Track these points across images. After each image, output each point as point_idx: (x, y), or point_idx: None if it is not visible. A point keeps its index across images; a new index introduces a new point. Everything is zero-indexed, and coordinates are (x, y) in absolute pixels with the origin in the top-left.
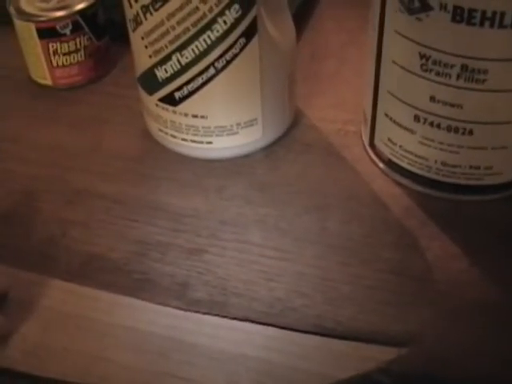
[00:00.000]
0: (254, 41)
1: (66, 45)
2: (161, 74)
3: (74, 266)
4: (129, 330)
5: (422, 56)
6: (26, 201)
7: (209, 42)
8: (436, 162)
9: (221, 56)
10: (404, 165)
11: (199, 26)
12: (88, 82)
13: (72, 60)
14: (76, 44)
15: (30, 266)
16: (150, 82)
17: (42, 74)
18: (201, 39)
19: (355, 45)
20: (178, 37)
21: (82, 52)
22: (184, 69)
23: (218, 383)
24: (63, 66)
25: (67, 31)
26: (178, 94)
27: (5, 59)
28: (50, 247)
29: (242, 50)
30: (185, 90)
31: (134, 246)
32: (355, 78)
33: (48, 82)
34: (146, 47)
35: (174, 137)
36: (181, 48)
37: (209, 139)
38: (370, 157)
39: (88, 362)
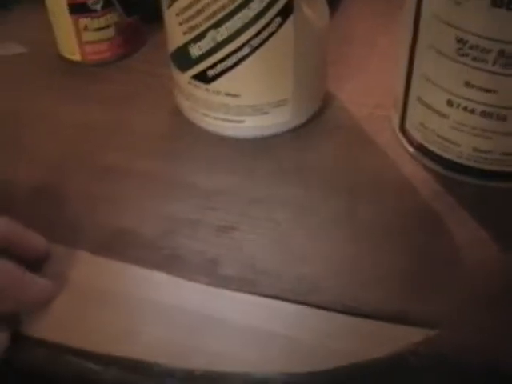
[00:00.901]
0: (290, 21)
1: (96, 21)
2: (195, 51)
3: (104, 239)
4: (158, 304)
5: (458, 40)
6: (56, 176)
7: (245, 19)
8: (468, 147)
9: (256, 35)
10: (435, 150)
11: (236, 3)
12: (117, 59)
13: (102, 36)
14: (106, 20)
15: (60, 239)
16: (183, 59)
17: (71, 49)
18: (237, 17)
19: (385, 30)
20: (214, 14)
21: (113, 28)
22: (218, 46)
23: (247, 359)
24: (93, 42)
25: (98, 7)
26: (211, 72)
27: (34, 35)
28: (80, 221)
29: (277, 29)
30: (218, 68)
31: (164, 223)
32: (385, 63)
33: (77, 57)
34: (181, 24)
35: (206, 115)
36: (216, 25)
37: (240, 118)
38: (399, 141)
39: (117, 334)
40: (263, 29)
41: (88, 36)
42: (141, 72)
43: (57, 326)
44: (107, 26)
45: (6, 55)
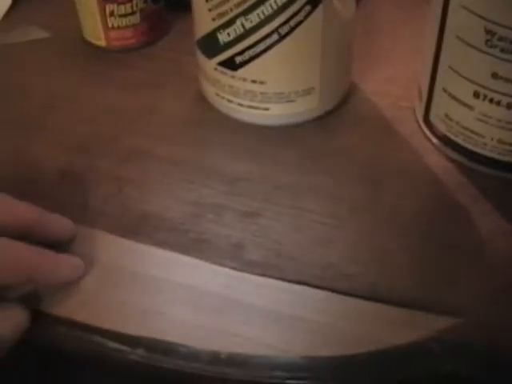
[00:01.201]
0: (319, 9)
1: (122, 7)
2: (223, 37)
3: (130, 222)
4: (185, 287)
5: (487, 31)
6: (81, 158)
7: (275, 7)
8: (492, 139)
9: (285, 22)
10: (459, 141)
11: None
12: (141, 46)
13: (127, 22)
14: (132, 6)
15: (87, 221)
16: (210, 45)
17: (96, 34)
18: (267, 4)
19: (409, 22)
20: (244, 0)
21: (138, 15)
22: (247, 33)
23: (273, 343)
24: (118, 27)
25: None
26: (238, 59)
27: (56, 20)
28: (106, 204)
29: (306, 17)
30: (246, 55)
31: (189, 207)
32: (408, 55)
33: (102, 43)
34: (210, 10)
35: (231, 101)
36: (246, 12)
37: (266, 105)
38: (423, 132)
39: (144, 315)
40: (292, 17)
41: (114, 22)
42: (164, 59)
43: (84, 306)
44: (133, 13)
45: (29, 40)
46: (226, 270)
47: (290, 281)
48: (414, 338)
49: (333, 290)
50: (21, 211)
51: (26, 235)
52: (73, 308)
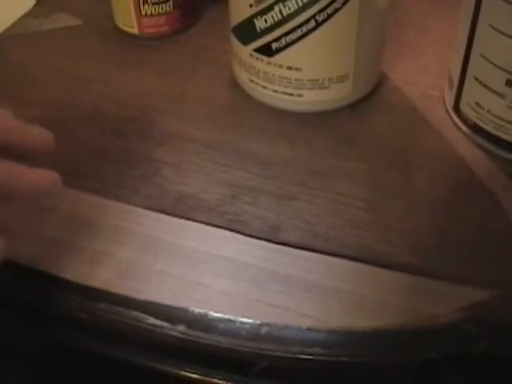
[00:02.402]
0: None
1: None
2: (260, 23)
3: (167, 202)
4: (224, 259)
5: None
6: (117, 140)
7: None
8: None
9: (323, 9)
10: (489, 129)
11: None
12: (173, 33)
13: (160, 10)
14: None
15: (122, 199)
16: (247, 31)
17: (129, 22)
18: None
19: (436, 14)
20: None
21: (171, 2)
22: (285, 20)
23: (311, 313)
24: (151, 15)
25: None
26: (275, 45)
27: (88, 7)
28: (143, 184)
29: (343, 5)
30: (283, 42)
31: (225, 189)
32: (437, 46)
33: (135, 30)
34: None
35: (265, 88)
36: None
37: (300, 92)
38: (453, 120)
39: (184, 286)
40: (329, 4)
41: (147, 9)
42: (196, 46)
43: (122, 277)
44: (166, 0)
45: (61, 27)
46: (264, 242)
47: (326, 253)
48: (451, 309)
49: (370, 263)
50: None
51: (2, 147)
52: (112, 280)
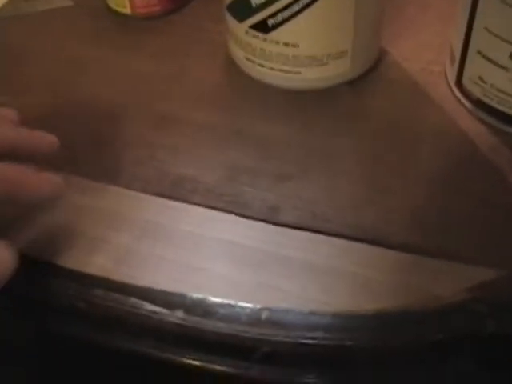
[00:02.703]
0: None
1: None
2: None
3: (164, 185)
4: (222, 241)
5: None
6: (112, 124)
7: None
8: None
9: None
10: (493, 104)
11: None
12: (166, 13)
13: None
14: None
15: (119, 183)
16: (242, 7)
17: (121, 2)
18: None
19: None
20: None
21: None
22: None
23: (314, 295)
24: None
25: None
26: (271, 21)
27: None
28: (139, 168)
29: None
30: (279, 17)
31: (223, 171)
32: (438, 23)
33: (127, 10)
34: None
35: (262, 66)
36: None
37: (298, 69)
38: (455, 95)
39: (184, 271)
40: None
41: None
42: (190, 26)
43: (120, 263)
44: None
45: (52, 8)
46: (263, 224)
47: (328, 234)
48: (457, 289)
49: (372, 243)
50: (3, 131)
51: (9, 153)
52: (109, 267)
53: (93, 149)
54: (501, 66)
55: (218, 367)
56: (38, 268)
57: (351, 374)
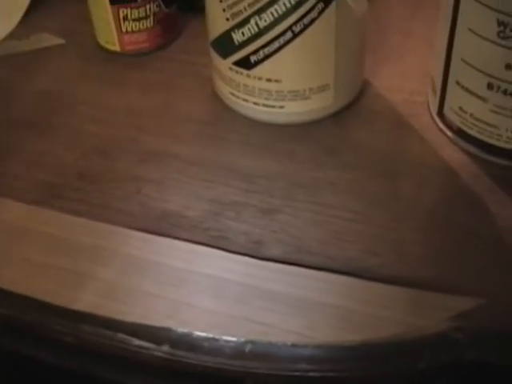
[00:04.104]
0: (332, 6)
1: (136, 11)
2: (237, 37)
3: (150, 221)
4: (207, 277)
5: (499, 23)
6: (100, 160)
7: (288, 5)
8: (507, 130)
9: (299, 20)
10: (474, 133)
11: None
12: (155, 49)
13: (141, 26)
14: (146, 10)
15: (106, 219)
16: (225, 45)
17: (110, 39)
18: (280, 2)
19: (418, 18)
20: (257, 0)
21: (151, 18)
22: (262, 32)
23: (297, 329)
24: (132, 31)
25: None
26: (253, 58)
27: (72, 25)
28: (125, 203)
29: (319, 14)
30: (261, 54)
31: (208, 205)
32: (420, 50)
33: (116, 47)
34: (224, 10)
35: (246, 101)
36: (260, 11)
37: (281, 103)
38: (437, 125)
39: (169, 306)
40: (305, 14)
41: (127, 26)
42: (178, 61)
43: (106, 298)
44: (146, 17)
45: (43, 47)
46: (246, 258)
47: (310, 267)
48: (438, 319)
49: (356, 276)
50: None
51: None
52: (97, 303)
53: (79, 185)
54: (479, 97)
55: None
56: (24, 303)
57: None
